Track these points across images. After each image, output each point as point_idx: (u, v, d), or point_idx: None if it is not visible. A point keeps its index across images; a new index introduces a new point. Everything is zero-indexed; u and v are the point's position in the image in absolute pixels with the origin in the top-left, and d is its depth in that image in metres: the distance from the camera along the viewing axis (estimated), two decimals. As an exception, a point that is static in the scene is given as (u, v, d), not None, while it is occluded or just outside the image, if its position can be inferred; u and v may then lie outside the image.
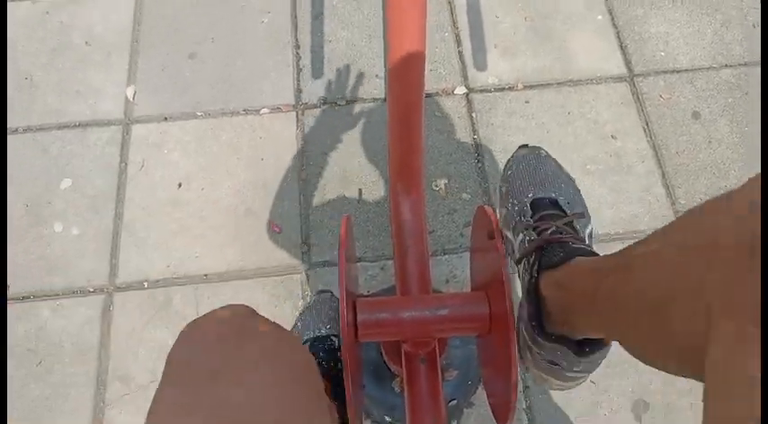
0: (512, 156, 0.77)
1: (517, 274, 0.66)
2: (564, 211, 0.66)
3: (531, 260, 0.61)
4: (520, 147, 0.77)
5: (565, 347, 0.56)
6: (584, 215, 0.67)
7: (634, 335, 0.43)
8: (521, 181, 0.71)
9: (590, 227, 0.68)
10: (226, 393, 0.36)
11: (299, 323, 0.87)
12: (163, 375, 0.38)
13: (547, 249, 0.61)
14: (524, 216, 0.67)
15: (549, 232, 0.63)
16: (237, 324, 0.40)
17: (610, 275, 0.47)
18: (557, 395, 0.89)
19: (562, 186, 0.70)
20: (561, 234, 0.62)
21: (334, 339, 0.82)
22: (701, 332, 0.32)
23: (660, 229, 0.44)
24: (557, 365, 0.58)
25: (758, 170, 1.05)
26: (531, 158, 0.74)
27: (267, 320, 0.43)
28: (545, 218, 0.65)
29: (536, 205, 0.67)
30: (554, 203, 0.67)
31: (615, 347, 0.93)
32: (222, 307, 0.42)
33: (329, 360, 0.78)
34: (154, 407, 0.36)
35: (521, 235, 0.66)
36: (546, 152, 0.75)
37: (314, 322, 0.84)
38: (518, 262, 0.65)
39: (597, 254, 0.59)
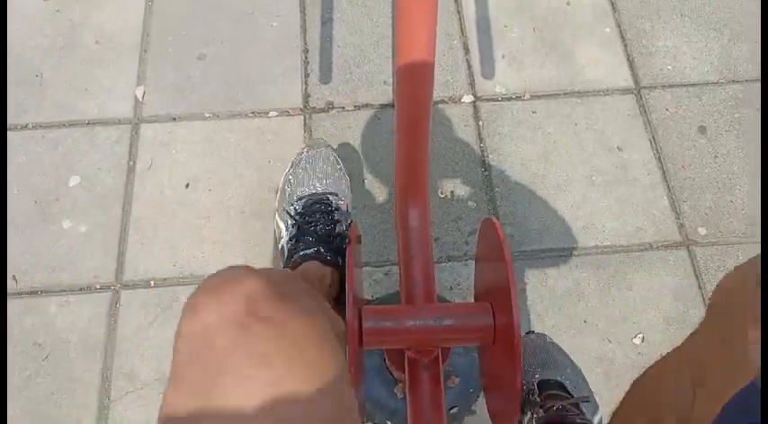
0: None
1: None
2: (570, 394, 0.71)
3: None
4: (527, 333, 0.84)
5: None
6: (588, 399, 0.72)
7: None
8: (529, 363, 0.76)
9: (599, 416, 0.72)
10: (230, 395, 0.34)
11: (291, 177, 0.85)
12: (170, 375, 0.37)
13: None
14: (532, 395, 0.71)
15: (554, 409, 0.67)
16: (244, 309, 0.36)
17: None
18: None
19: (568, 371, 0.75)
20: (567, 411, 0.67)
21: (330, 197, 0.81)
22: None
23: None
24: None
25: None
26: (538, 343, 0.79)
27: (275, 300, 0.38)
28: (552, 397, 0.69)
29: (543, 385, 0.72)
30: (560, 386, 0.72)
31: (617, 365, 0.93)
32: (224, 279, 0.38)
33: (327, 222, 0.77)
34: (163, 411, 0.36)
35: (528, 414, 0.69)
36: (551, 339, 0.81)
37: (308, 177, 0.83)
38: None
39: None
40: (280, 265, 0.82)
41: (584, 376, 0.77)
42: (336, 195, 0.82)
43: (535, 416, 0.69)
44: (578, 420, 0.66)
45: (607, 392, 0.88)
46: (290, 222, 0.81)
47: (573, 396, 0.71)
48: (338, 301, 0.73)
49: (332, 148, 0.88)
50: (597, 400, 0.75)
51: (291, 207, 0.82)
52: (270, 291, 0.38)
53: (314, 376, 0.35)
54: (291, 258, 0.76)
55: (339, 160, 0.89)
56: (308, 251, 0.74)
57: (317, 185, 0.82)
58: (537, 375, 0.74)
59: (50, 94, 1.13)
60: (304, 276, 0.70)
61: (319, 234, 0.76)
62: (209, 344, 0.35)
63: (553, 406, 0.67)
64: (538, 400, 0.70)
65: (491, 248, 0.64)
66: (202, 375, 0.35)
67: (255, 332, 0.35)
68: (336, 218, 0.79)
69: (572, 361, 0.78)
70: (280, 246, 0.83)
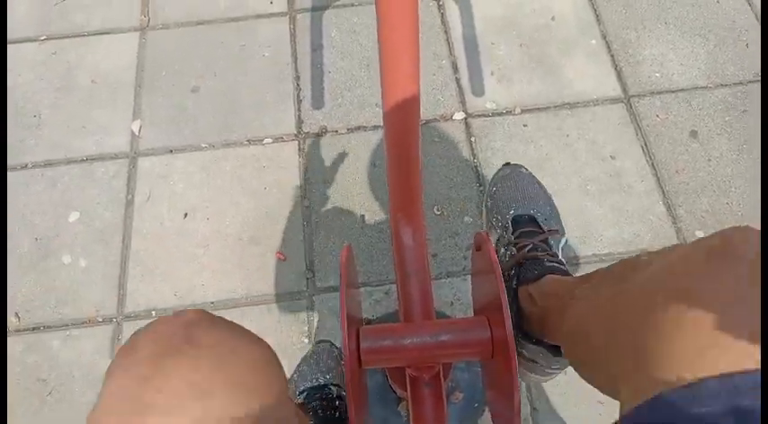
0: (496, 173, 0.85)
1: None
2: (541, 227, 0.75)
3: (511, 274, 0.71)
4: (503, 165, 0.86)
5: (543, 348, 0.65)
6: (558, 231, 0.76)
7: (579, 362, 0.52)
8: (503, 199, 0.80)
9: (563, 241, 0.78)
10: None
11: (295, 374, 0.87)
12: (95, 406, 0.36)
13: (524, 265, 0.70)
14: (506, 232, 0.76)
15: (527, 249, 0.71)
16: (183, 338, 0.37)
17: (570, 305, 0.54)
18: (565, 418, 0.89)
19: (540, 203, 0.79)
20: (537, 251, 0.71)
21: (332, 388, 0.83)
22: (618, 378, 0.38)
23: (604, 270, 0.53)
24: (537, 363, 0.68)
25: (758, 185, 1.05)
26: (513, 176, 0.83)
27: (216, 328, 0.39)
28: (524, 235, 0.74)
29: (516, 221, 0.76)
30: (532, 219, 0.76)
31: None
32: (165, 318, 0.39)
33: (326, 409, 0.79)
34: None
35: (503, 250, 0.75)
36: (527, 170, 0.84)
37: (311, 372, 0.85)
38: None
39: (567, 271, 0.68)
40: None
41: (553, 205, 0.80)
42: (339, 386, 0.84)
43: (509, 253, 0.73)
44: (546, 260, 0.69)
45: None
46: None
47: (543, 230, 0.74)
48: None
49: (335, 345, 0.90)
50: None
51: (295, 400, 0.84)
52: (209, 320, 0.38)
53: (254, 404, 0.35)
54: None
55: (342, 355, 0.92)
56: None
57: (320, 378, 0.85)
58: (511, 211, 0.78)
59: (48, 134, 1.15)
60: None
61: (320, 417, 0.78)
62: (140, 377, 0.34)
63: (526, 245, 0.71)
64: (511, 237, 0.74)
65: (484, 262, 0.65)
66: (129, 410, 0.34)
67: (193, 360, 0.35)
68: (338, 405, 0.81)
69: (544, 191, 0.81)
70: None
